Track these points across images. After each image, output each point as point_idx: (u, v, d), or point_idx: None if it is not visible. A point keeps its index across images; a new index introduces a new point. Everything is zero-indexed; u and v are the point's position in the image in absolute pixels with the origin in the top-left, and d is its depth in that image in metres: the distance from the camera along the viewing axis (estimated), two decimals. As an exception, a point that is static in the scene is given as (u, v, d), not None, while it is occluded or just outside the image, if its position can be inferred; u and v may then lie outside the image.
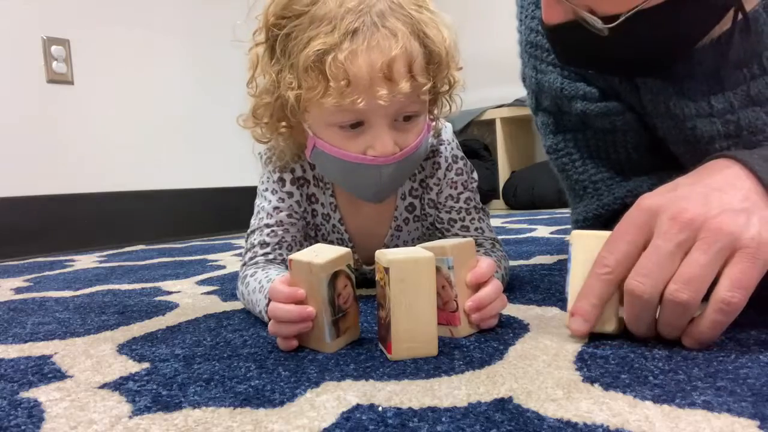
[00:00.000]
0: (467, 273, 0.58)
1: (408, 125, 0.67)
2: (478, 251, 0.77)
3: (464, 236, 0.80)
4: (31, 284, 1.18)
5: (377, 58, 0.61)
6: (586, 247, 0.53)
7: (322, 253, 0.55)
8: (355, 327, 0.59)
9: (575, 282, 0.53)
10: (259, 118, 0.71)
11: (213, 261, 1.41)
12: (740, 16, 0.54)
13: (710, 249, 0.45)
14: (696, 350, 0.49)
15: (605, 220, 0.72)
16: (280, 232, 0.76)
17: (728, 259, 0.46)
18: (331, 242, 0.82)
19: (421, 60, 0.65)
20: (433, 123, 0.76)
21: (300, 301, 0.55)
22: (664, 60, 0.59)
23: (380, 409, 0.41)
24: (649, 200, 0.50)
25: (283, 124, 0.70)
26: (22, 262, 1.67)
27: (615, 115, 0.68)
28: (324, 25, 0.62)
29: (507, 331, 0.59)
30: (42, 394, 0.49)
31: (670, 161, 0.69)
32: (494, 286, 0.59)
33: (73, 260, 1.62)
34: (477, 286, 0.58)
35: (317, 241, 0.84)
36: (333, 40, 0.61)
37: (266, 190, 0.78)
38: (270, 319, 0.66)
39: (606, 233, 0.52)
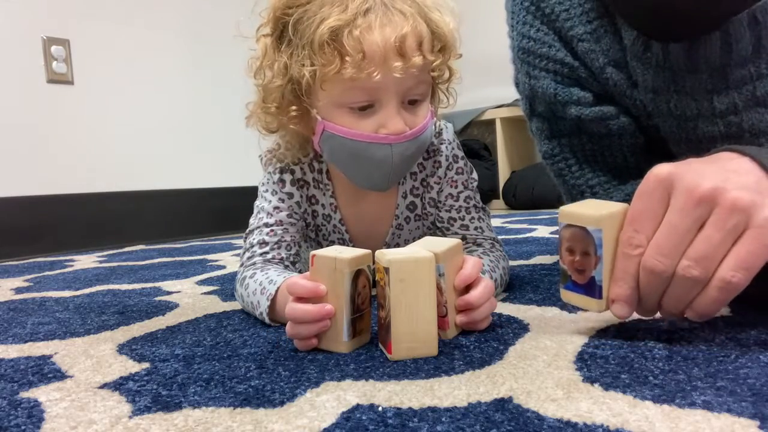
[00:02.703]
0: (455, 274, 0.58)
1: (415, 108, 0.70)
2: (476, 250, 0.77)
3: (464, 235, 0.80)
4: (31, 284, 1.18)
5: (390, 33, 0.64)
6: (616, 228, 0.51)
7: (345, 251, 0.55)
8: (368, 331, 0.58)
9: (609, 266, 0.52)
10: (269, 103, 0.72)
11: (213, 261, 1.41)
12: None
13: (724, 226, 0.45)
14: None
15: None
16: (279, 232, 0.76)
17: (740, 235, 0.46)
18: (332, 242, 0.82)
19: (430, 40, 0.67)
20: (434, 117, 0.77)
21: (319, 299, 0.55)
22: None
23: (380, 409, 0.41)
24: (664, 169, 0.49)
25: (294, 107, 0.71)
26: (22, 262, 1.67)
27: (609, 119, 0.68)
28: (336, 6, 0.65)
29: (507, 331, 0.59)
30: (42, 394, 0.49)
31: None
32: (484, 288, 0.58)
33: (73, 260, 1.62)
34: (465, 288, 0.58)
35: (317, 242, 0.84)
36: (347, 17, 0.64)
37: (266, 191, 0.78)
38: (271, 320, 0.66)
39: (624, 206, 0.51)
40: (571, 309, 0.67)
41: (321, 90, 0.67)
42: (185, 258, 1.51)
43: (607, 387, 0.43)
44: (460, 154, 0.81)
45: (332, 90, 0.67)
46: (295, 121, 0.72)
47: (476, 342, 0.56)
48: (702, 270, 0.46)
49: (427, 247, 0.56)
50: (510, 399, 0.42)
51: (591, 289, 0.53)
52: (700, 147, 0.63)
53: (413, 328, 0.51)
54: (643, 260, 0.49)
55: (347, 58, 0.63)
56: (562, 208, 0.55)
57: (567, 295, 0.56)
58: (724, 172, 0.48)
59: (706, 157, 0.52)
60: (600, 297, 0.52)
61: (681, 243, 0.47)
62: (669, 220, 0.48)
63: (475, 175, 0.82)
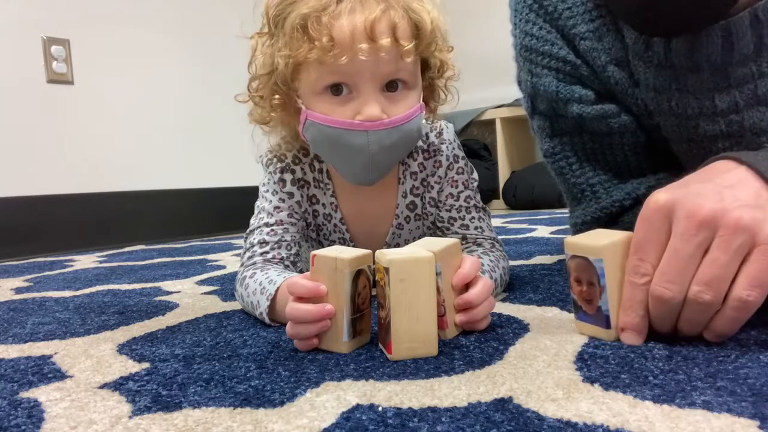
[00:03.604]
0: (453, 274, 0.58)
1: (397, 95, 0.69)
2: (476, 250, 0.77)
3: (464, 234, 0.80)
4: (31, 284, 1.18)
5: (359, 18, 0.64)
6: (619, 257, 0.51)
7: (345, 251, 0.55)
8: (368, 331, 0.58)
9: (616, 295, 0.52)
10: (254, 91, 0.73)
11: (213, 261, 1.41)
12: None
13: (729, 247, 0.45)
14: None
15: (603, 223, 0.71)
16: (279, 231, 0.76)
17: (747, 255, 0.46)
18: (333, 242, 0.82)
19: (406, 26, 0.67)
20: (432, 114, 0.78)
21: (320, 298, 0.55)
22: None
23: (380, 409, 0.41)
24: (662, 197, 0.49)
25: (277, 96, 0.72)
26: (22, 262, 1.67)
27: (611, 117, 0.68)
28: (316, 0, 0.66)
29: (507, 331, 0.59)
30: (42, 394, 0.49)
31: (667, 163, 0.69)
32: (482, 287, 0.58)
33: (73, 260, 1.62)
34: (464, 287, 0.58)
35: (319, 242, 0.84)
36: (320, 5, 0.65)
37: (267, 191, 0.78)
38: (271, 320, 0.66)
39: (627, 235, 0.51)
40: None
41: (298, 78, 0.69)
42: (185, 258, 1.51)
43: (607, 387, 0.43)
44: (461, 154, 0.81)
45: (308, 77, 0.68)
46: (278, 109, 0.73)
47: (476, 342, 0.56)
48: (713, 293, 0.46)
49: (425, 247, 0.56)
50: (510, 399, 0.42)
51: (599, 318, 0.53)
52: (702, 146, 0.63)
53: (413, 328, 0.51)
54: (651, 288, 0.49)
55: (315, 42, 0.64)
56: (566, 238, 0.55)
57: (580, 326, 0.56)
58: (722, 190, 0.47)
59: (702, 171, 0.52)
60: (608, 327, 0.53)
61: (686, 268, 0.47)
62: (672, 247, 0.48)
63: (475, 175, 0.82)
